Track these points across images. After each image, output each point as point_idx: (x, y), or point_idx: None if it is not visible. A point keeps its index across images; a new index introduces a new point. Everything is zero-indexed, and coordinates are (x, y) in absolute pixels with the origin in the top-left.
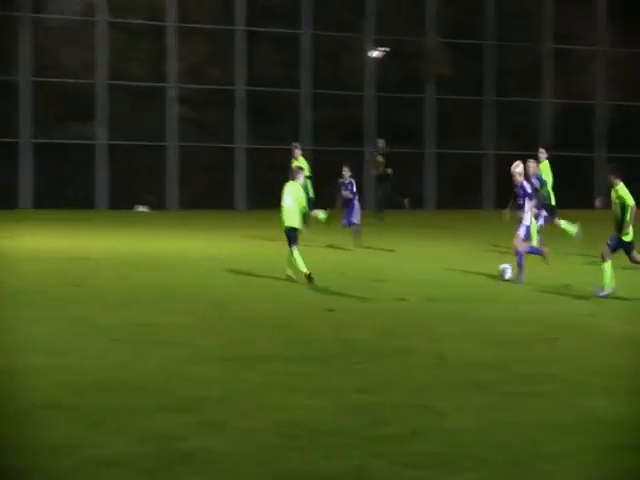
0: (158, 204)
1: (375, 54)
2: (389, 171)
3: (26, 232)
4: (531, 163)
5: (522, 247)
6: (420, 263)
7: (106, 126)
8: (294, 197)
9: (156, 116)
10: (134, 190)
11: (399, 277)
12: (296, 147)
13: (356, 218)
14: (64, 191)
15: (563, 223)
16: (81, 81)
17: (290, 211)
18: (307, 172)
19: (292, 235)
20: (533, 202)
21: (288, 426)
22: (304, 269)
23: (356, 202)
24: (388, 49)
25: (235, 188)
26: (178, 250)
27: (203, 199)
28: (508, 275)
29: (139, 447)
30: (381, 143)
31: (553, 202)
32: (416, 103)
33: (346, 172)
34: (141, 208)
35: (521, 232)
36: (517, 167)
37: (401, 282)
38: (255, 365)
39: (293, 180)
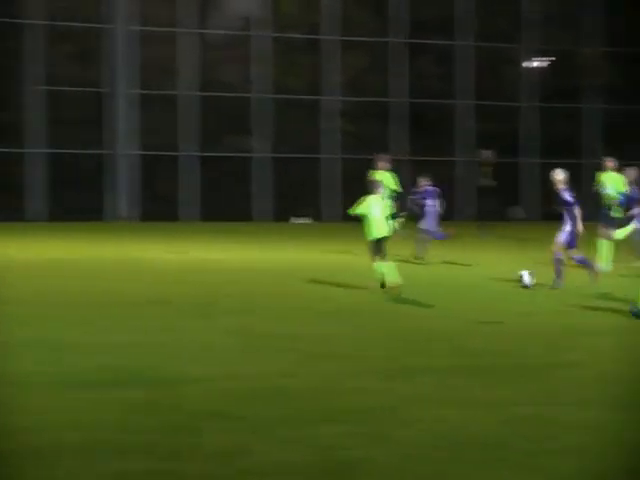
0: (316, 216)
1: (535, 65)
2: (486, 182)
3: (187, 244)
4: (631, 171)
5: (560, 253)
6: (578, 273)
7: (266, 139)
8: (381, 208)
9: (315, 129)
10: (292, 202)
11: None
12: (380, 158)
13: (426, 225)
14: (225, 203)
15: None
16: (242, 95)
17: (379, 221)
18: (393, 186)
19: (382, 245)
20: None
21: (447, 438)
22: (393, 279)
23: (432, 210)
24: (552, 58)
25: None
26: (333, 262)
27: None
28: (526, 281)
29: (302, 456)
30: (486, 154)
31: (614, 215)
32: (576, 113)
33: (422, 181)
34: (299, 220)
35: (561, 238)
36: (558, 175)
37: (556, 293)
38: (414, 377)
39: (373, 193)
